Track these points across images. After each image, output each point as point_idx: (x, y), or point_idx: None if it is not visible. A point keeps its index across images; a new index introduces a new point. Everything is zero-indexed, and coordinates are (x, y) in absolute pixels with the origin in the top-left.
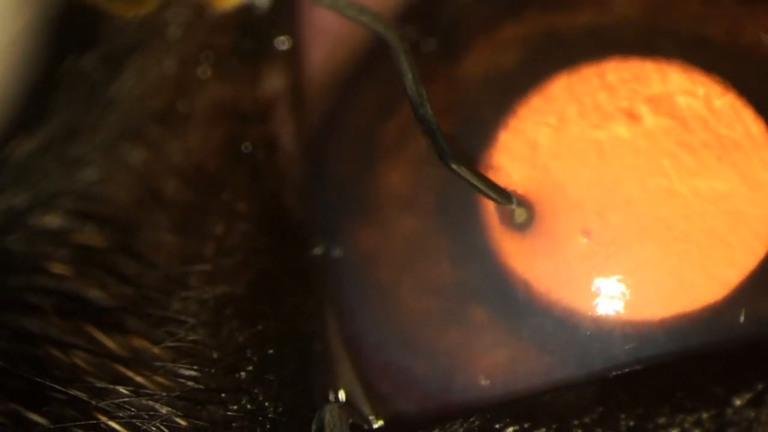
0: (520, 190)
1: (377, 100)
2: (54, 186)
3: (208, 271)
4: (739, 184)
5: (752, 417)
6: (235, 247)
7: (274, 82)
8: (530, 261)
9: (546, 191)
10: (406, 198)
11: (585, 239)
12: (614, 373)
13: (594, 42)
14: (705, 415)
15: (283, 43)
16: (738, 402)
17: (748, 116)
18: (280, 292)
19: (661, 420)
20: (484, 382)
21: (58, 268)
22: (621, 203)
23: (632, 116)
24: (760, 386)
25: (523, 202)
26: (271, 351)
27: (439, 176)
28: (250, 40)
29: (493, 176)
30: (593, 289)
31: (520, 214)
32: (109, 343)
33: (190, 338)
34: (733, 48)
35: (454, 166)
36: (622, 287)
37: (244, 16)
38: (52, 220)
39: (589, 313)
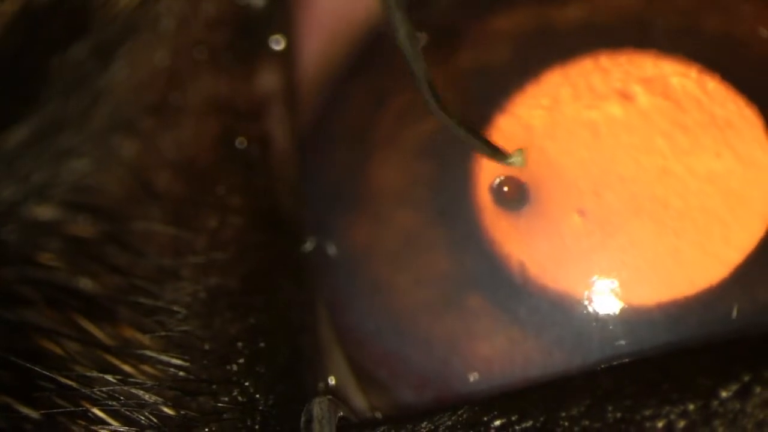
0: (514, 172)
1: (370, 94)
2: (46, 177)
3: (200, 264)
4: (735, 163)
5: (738, 408)
6: (228, 241)
7: (268, 79)
8: (526, 242)
9: (541, 172)
10: (400, 191)
11: (581, 218)
12: (602, 366)
13: (587, 35)
14: (691, 407)
15: (278, 41)
16: (724, 394)
17: (740, 98)
18: (273, 286)
19: (648, 412)
20: (480, 368)
21: (49, 259)
22: (616, 182)
23: (626, 96)
24: (746, 378)
25: (518, 151)
26: (262, 344)
27: (432, 168)
28: (246, 37)
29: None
30: (590, 268)
31: (517, 162)
32: (99, 333)
33: (181, 329)
34: (727, 40)
35: (444, 116)
36: (619, 266)
37: (239, 14)
38: (44, 211)
39: (586, 294)
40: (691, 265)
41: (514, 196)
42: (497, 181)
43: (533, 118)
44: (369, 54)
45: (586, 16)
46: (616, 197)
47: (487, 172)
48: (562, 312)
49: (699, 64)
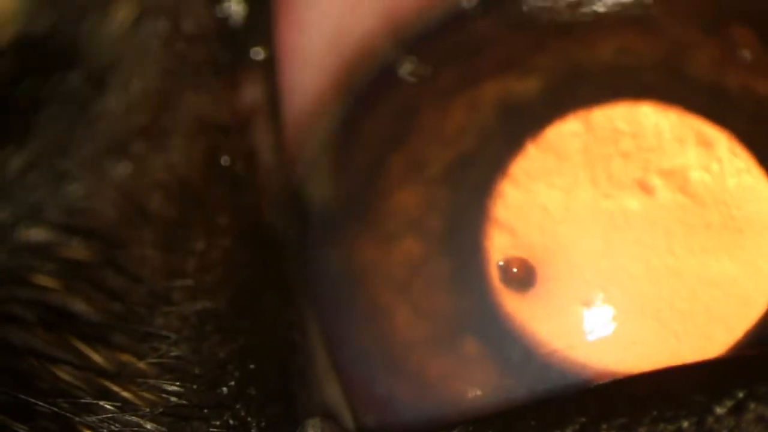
0: (524, 252)
1: (391, 126)
2: (41, 200)
3: (190, 287)
4: (746, 267)
5: (733, 425)
6: (216, 262)
7: (251, 92)
8: (529, 317)
9: (551, 256)
10: (413, 219)
11: (584, 309)
12: (595, 384)
13: (612, 80)
14: (686, 424)
15: (258, 53)
16: (719, 410)
17: (761, 194)
18: (261, 306)
19: (642, 429)
20: (469, 409)
21: (44, 281)
22: (625, 279)
23: (645, 188)
24: (741, 394)
25: None
26: (252, 366)
27: (449, 201)
28: (227, 51)
29: (498, 231)
30: (587, 354)
31: None
32: (95, 356)
33: (173, 354)
34: (748, 101)
35: None
36: (617, 359)
37: (220, 28)
38: (39, 234)
39: (582, 367)
40: (687, 360)
41: (522, 277)
42: (503, 260)
43: (550, 200)
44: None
45: (614, 65)
46: (623, 294)
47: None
48: (557, 372)
49: (720, 132)
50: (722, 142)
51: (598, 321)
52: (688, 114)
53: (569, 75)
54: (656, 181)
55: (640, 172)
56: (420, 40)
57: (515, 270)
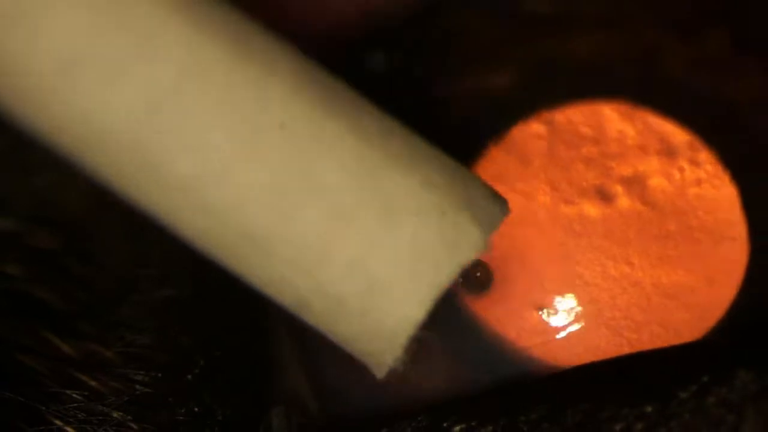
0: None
1: None
2: (8, 190)
3: (156, 275)
4: (701, 278)
5: (696, 408)
6: (180, 249)
7: None
8: (484, 318)
9: (507, 259)
10: None
11: (539, 315)
12: (559, 370)
13: (583, 80)
14: (649, 408)
15: None
16: (683, 394)
17: (720, 204)
18: (225, 293)
19: (606, 414)
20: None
21: (11, 270)
22: (580, 285)
23: (605, 196)
24: (704, 379)
25: None
26: (217, 353)
27: None
28: None
29: None
30: (540, 360)
31: None
32: (63, 346)
33: (139, 342)
34: (718, 103)
35: None
36: (570, 363)
37: None
38: (5, 224)
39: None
40: None
41: (480, 280)
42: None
43: (510, 203)
44: None
45: (589, 62)
46: (578, 301)
47: None
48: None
49: (686, 137)
50: (685, 149)
51: (552, 327)
52: (654, 118)
53: (541, 72)
54: (616, 188)
55: (601, 178)
56: (391, 30)
57: (478, 275)
